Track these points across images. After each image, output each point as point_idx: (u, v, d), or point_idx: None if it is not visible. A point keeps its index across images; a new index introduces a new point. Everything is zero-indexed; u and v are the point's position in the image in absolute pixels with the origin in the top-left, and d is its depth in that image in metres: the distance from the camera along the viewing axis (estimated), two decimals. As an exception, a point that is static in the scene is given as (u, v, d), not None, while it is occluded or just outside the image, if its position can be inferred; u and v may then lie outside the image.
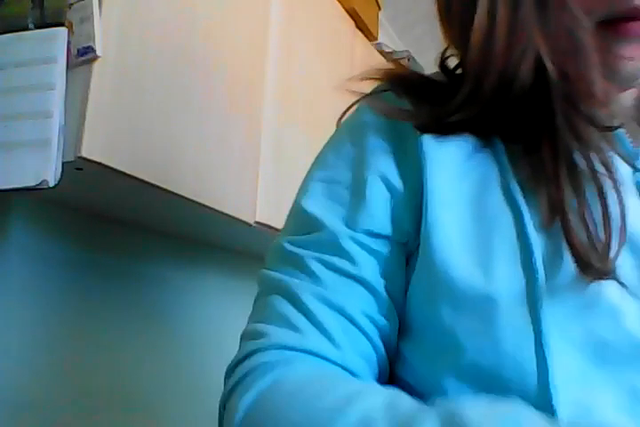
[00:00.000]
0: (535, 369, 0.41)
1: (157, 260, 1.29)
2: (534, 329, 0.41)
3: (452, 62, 0.55)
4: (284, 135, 1.32)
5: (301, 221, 0.51)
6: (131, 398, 1.17)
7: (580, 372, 0.42)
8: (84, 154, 0.83)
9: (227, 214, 1.13)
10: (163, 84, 0.99)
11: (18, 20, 0.87)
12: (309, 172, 0.55)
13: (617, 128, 0.46)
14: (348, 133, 0.54)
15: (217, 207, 1.10)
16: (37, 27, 0.86)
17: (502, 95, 0.46)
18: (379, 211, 0.49)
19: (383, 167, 0.50)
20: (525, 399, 0.40)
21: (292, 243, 0.50)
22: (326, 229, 0.49)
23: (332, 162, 0.53)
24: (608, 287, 0.42)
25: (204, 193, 1.07)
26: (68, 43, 0.85)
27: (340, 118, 0.56)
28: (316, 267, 0.48)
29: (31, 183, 0.80)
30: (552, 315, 0.41)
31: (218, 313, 1.40)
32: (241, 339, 0.49)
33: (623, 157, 0.47)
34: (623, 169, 0.47)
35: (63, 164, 0.81)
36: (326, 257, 0.49)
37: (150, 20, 0.97)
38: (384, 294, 0.49)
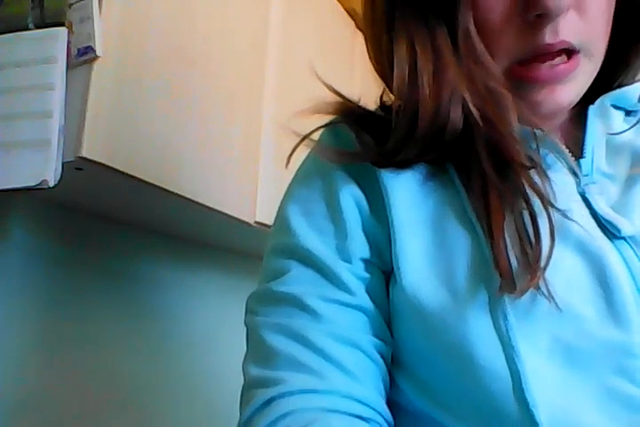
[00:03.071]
0: (509, 378, 0.43)
1: (157, 260, 1.29)
2: (501, 340, 0.43)
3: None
4: (283, 135, 1.32)
5: (289, 258, 0.51)
6: (129, 398, 1.18)
7: (555, 377, 0.43)
8: (84, 154, 0.83)
9: (227, 214, 1.13)
10: (163, 84, 0.99)
11: (18, 20, 0.87)
12: (283, 208, 0.55)
13: (532, 168, 0.48)
14: (316, 169, 0.55)
15: (217, 207, 1.10)
16: (37, 27, 0.86)
17: (435, 139, 0.49)
18: (359, 235, 0.51)
19: (353, 195, 0.52)
20: (505, 407, 0.42)
21: (282, 284, 0.50)
22: (320, 263, 0.50)
23: (306, 196, 0.54)
24: (569, 294, 0.44)
25: (204, 193, 1.07)
26: (68, 43, 0.85)
27: (290, 155, 0.57)
28: (316, 303, 0.48)
29: (31, 183, 0.80)
30: (518, 326, 0.43)
31: (217, 313, 1.40)
32: (247, 388, 0.48)
33: (567, 170, 0.50)
34: (568, 180, 0.50)
35: (63, 164, 0.81)
36: (324, 291, 0.49)
37: (150, 20, 0.97)
38: (380, 318, 0.50)
